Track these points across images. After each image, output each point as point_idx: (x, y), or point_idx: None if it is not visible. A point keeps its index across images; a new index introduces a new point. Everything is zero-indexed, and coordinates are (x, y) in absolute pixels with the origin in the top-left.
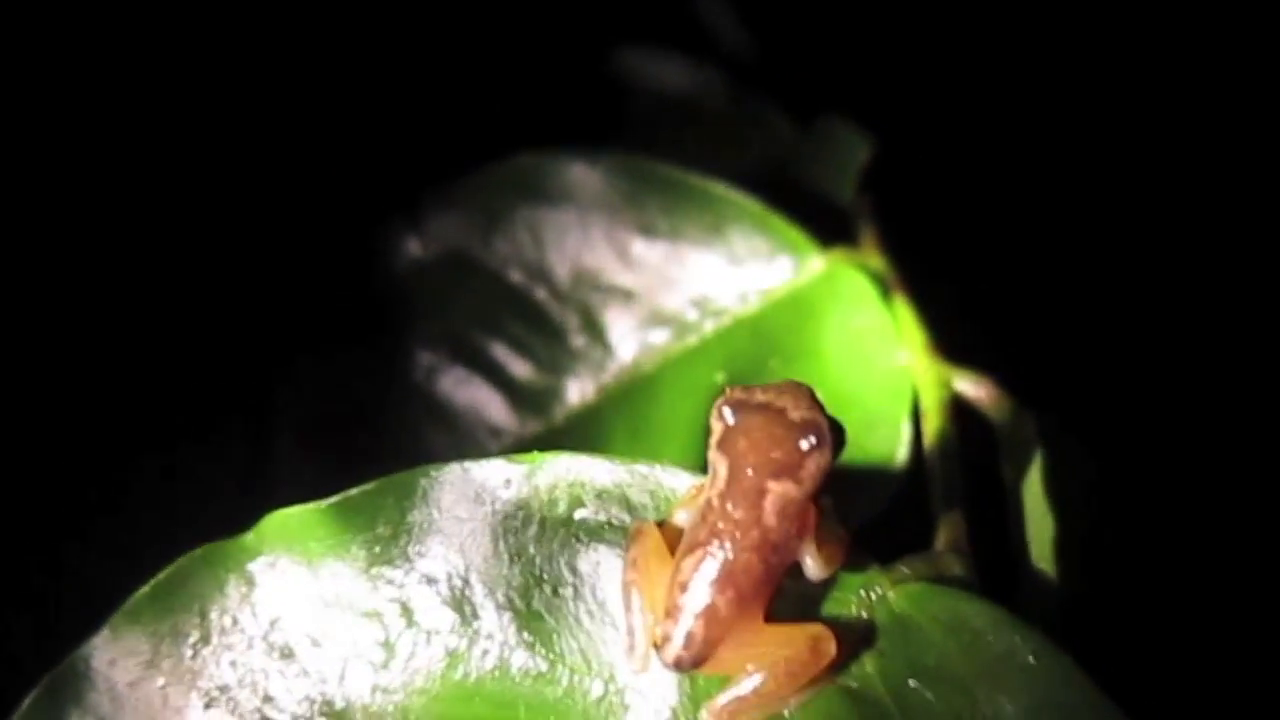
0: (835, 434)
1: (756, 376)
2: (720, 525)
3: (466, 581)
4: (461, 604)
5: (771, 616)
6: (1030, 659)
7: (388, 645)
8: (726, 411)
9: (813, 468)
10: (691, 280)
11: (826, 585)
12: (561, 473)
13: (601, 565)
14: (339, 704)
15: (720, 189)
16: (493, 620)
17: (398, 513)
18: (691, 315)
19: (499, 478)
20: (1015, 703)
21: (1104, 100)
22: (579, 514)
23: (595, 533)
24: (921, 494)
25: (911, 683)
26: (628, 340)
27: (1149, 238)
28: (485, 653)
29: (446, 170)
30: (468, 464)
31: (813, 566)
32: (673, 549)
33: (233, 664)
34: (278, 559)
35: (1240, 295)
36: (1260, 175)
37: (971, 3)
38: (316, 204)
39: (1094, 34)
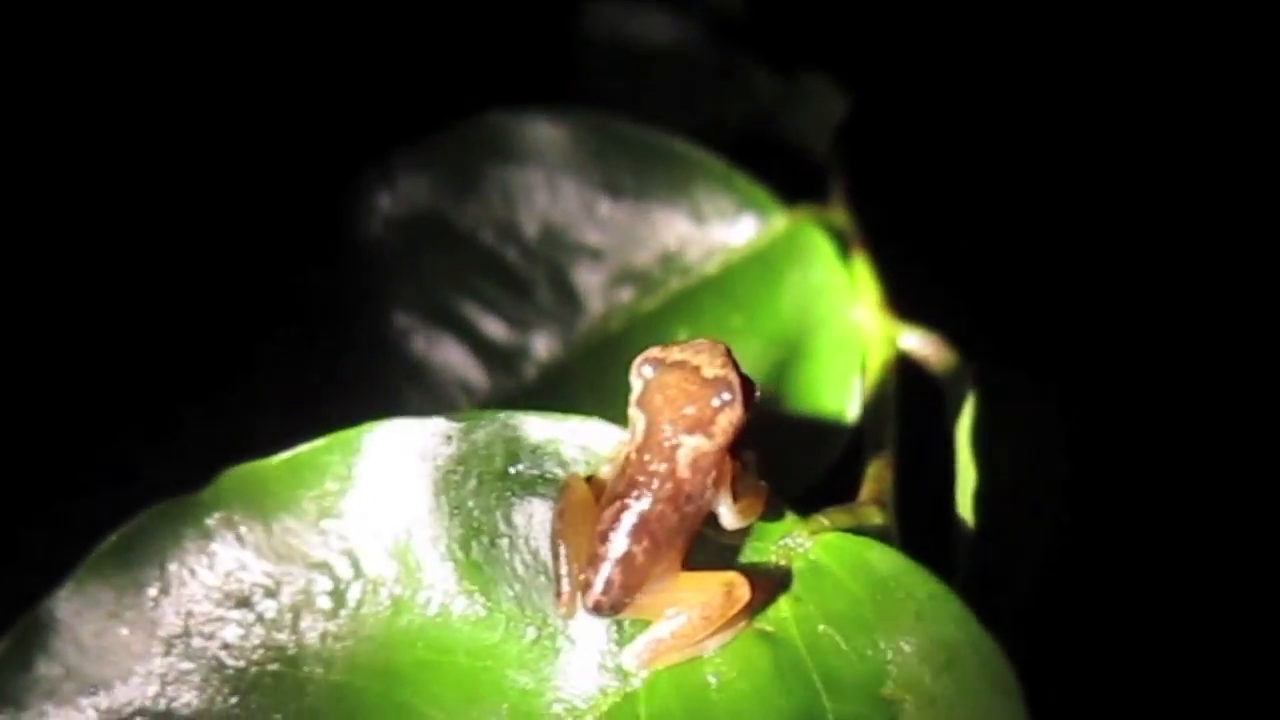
0: (746, 391)
1: (719, 334)
2: (638, 478)
3: (410, 533)
4: (405, 555)
5: (689, 564)
6: (926, 602)
7: (337, 594)
8: (645, 369)
9: (724, 423)
10: (658, 238)
11: (749, 534)
12: (498, 429)
13: (535, 517)
14: (291, 650)
15: (685, 147)
16: (435, 570)
17: (345, 468)
18: (657, 273)
19: (440, 434)
20: (910, 644)
21: (1082, 68)
22: (514, 469)
23: (529, 486)
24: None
25: (822, 627)
26: (596, 298)
27: (1119, 202)
28: (428, 601)
29: (418, 125)
30: (410, 421)
31: (728, 517)
32: (599, 501)
33: (191, 613)
34: (233, 514)
35: (1203, 253)
36: (1213, 127)
37: None
38: (284, 163)
39: (1076, 4)
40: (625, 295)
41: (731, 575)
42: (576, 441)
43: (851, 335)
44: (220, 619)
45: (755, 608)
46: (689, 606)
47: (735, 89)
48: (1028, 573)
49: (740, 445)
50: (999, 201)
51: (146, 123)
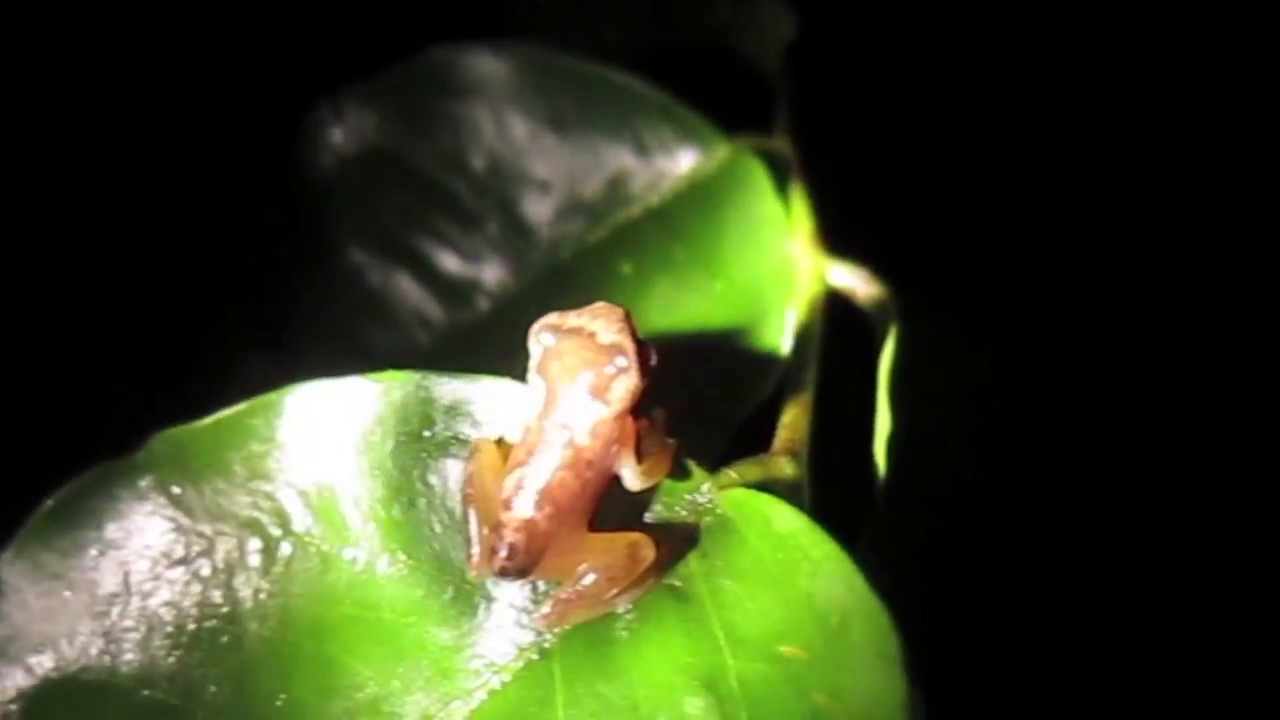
0: (643, 357)
1: (663, 266)
2: (538, 445)
3: (334, 493)
4: (331, 513)
5: (598, 524)
6: (820, 562)
7: (268, 552)
8: (543, 336)
9: (620, 390)
10: (603, 169)
11: (659, 491)
12: (413, 391)
13: (450, 479)
14: (227, 607)
15: (625, 79)
16: (359, 529)
17: (269, 430)
18: (604, 204)
19: (358, 395)
20: (806, 603)
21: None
22: (428, 431)
23: (443, 448)
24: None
25: (727, 583)
26: (545, 229)
27: (1065, 143)
28: (354, 558)
29: (365, 61)
30: (330, 382)
31: (631, 479)
32: (506, 465)
33: (130, 573)
34: (165, 476)
35: (1141, 199)
36: (1161, 74)
37: None
38: (232, 103)
39: None
40: (574, 226)
41: (636, 536)
42: (488, 403)
43: (787, 270)
44: (158, 578)
45: (664, 564)
46: (595, 568)
47: (690, 9)
48: (940, 526)
49: (645, 404)
50: (948, 135)
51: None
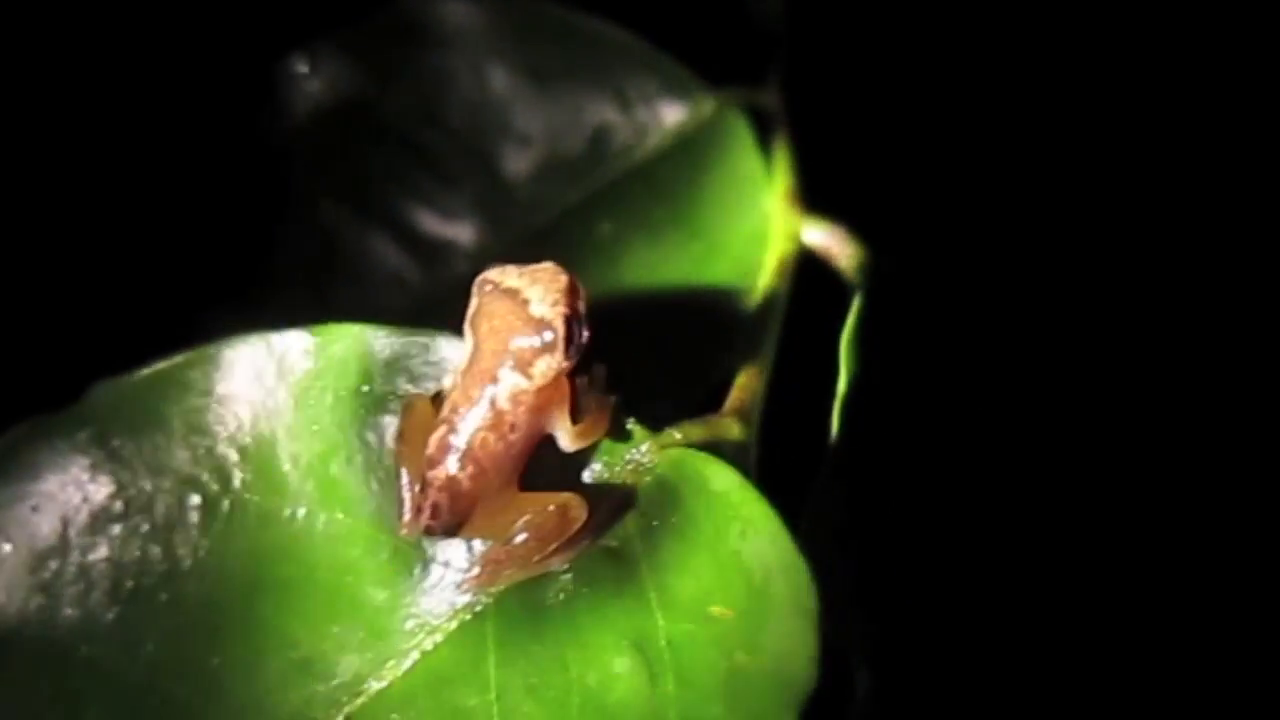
0: (569, 336)
1: (642, 227)
2: (461, 404)
3: (273, 449)
4: (270, 470)
5: (529, 484)
6: (750, 521)
7: (207, 508)
8: (484, 288)
9: (542, 367)
10: (584, 125)
11: (599, 450)
12: (352, 345)
13: (387, 436)
14: (166, 564)
15: (606, 28)
16: (297, 486)
17: (207, 384)
18: (585, 160)
19: (298, 349)
20: (732, 558)
21: None
22: (366, 386)
23: (381, 403)
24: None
25: (662, 543)
26: (524, 187)
27: (1064, 114)
28: (292, 516)
29: (339, 11)
30: (270, 335)
31: (565, 440)
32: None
33: (68, 528)
34: (105, 429)
35: (1143, 178)
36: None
37: None
38: (205, 56)
39: None
40: (554, 184)
41: (567, 496)
42: (427, 357)
43: (763, 228)
44: (97, 533)
45: (601, 525)
46: (525, 528)
47: None
48: (894, 493)
49: (584, 363)
50: (947, 98)
51: (65, 11)
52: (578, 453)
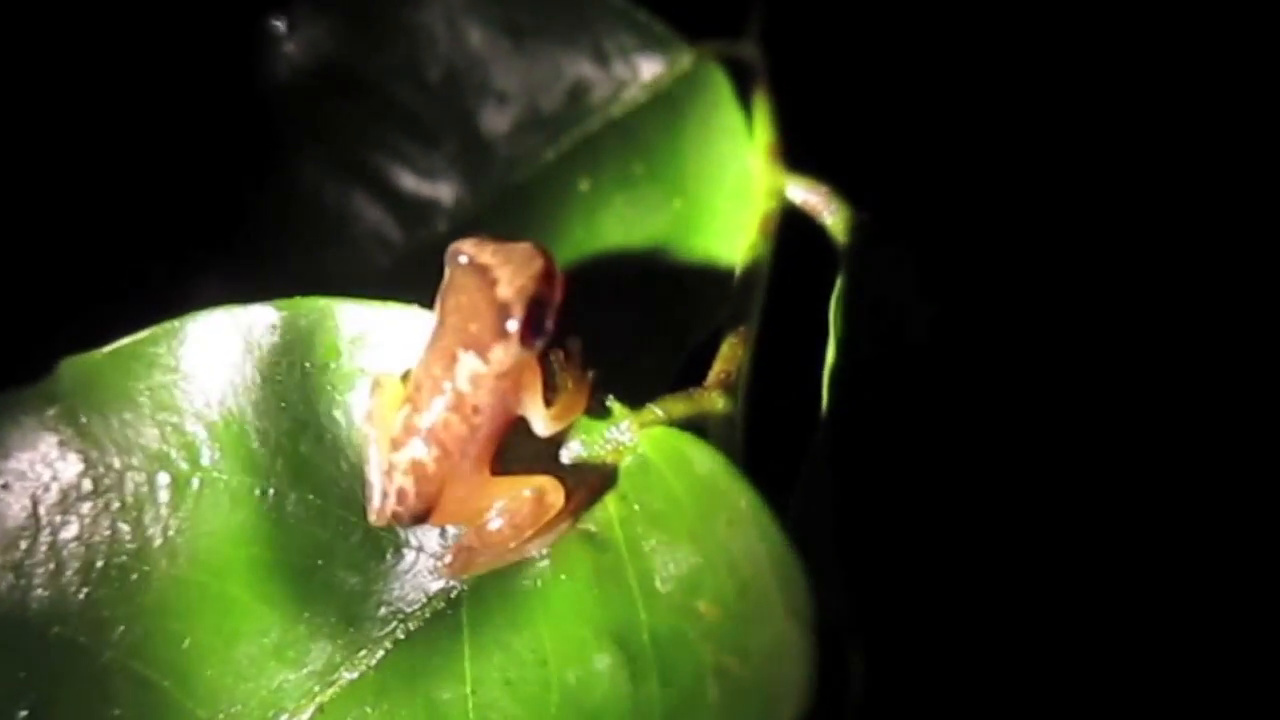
0: (529, 326)
1: (620, 184)
2: (424, 384)
3: (242, 427)
4: (239, 448)
5: (502, 467)
6: (737, 510)
7: (176, 487)
8: (458, 258)
9: (500, 354)
10: (562, 80)
11: (577, 429)
12: (318, 319)
13: (355, 414)
14: (137, 543)
15: None
16: (267, 464)
17: (173, 359)
18: (562, 118)
19: (264, 323)
20: (721, 553)
21: None
22: (334, 363)
23: (348, 380)
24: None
25: (644, 528)
26: (503, 144)
27: (1052, 75)
28: (263, 495)
29: None
30: (235, 309)
31: (540, 424)
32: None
33: (39, 507)
34: (74, 406)
35: (1132, 145)
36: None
37: None
38: (185, 14)
39: None
40: (533, 141)
41: (543, 480)
42: (394, 332)
43: (745, 186)
44: (68, 511)
45: (580, 508)
46: (498, 514)
47: None
48: (886, 466)
49: (558, 337)
50: (935, 53)
51: None
52: (559, 435)
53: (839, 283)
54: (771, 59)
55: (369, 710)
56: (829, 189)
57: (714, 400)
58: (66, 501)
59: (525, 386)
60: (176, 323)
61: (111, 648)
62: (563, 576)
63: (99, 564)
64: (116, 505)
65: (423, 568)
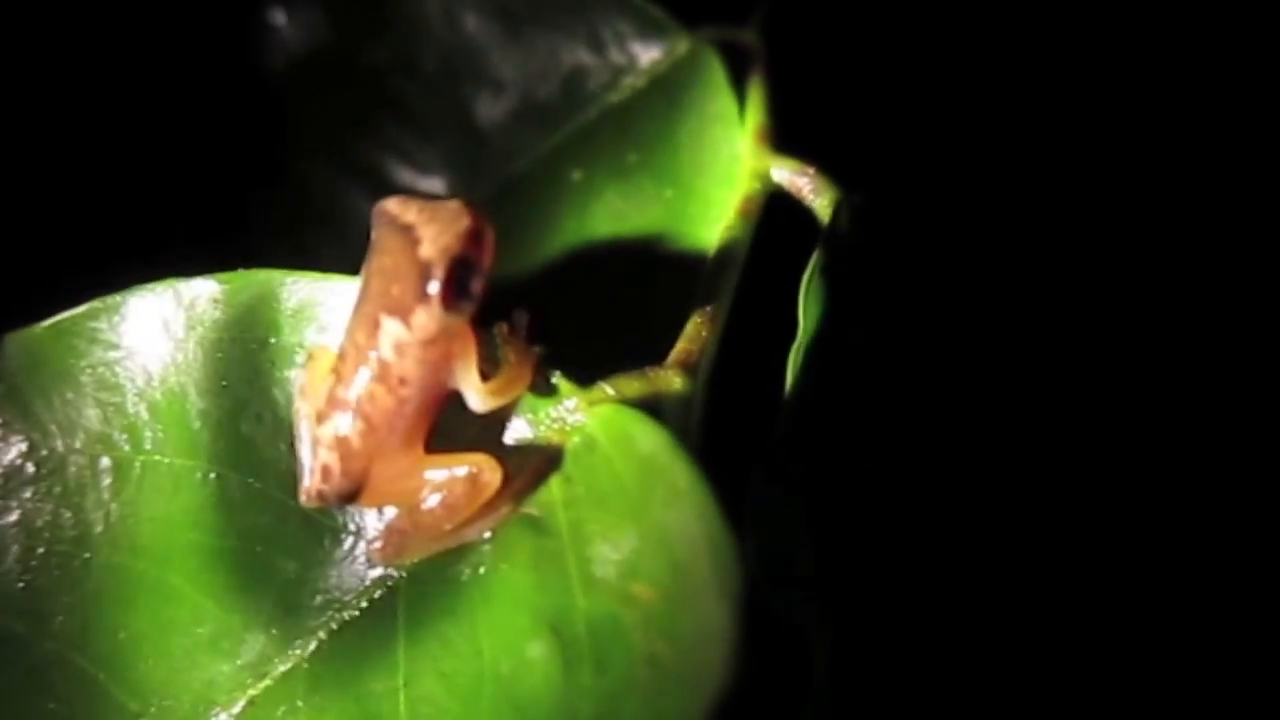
0: (451, 287)
1: (613, 173)
2: (348, 351)
3: (183, 407)
4: (181, 429)
5: (437, 444)
6: (676, 488)
7: (118, 471)
8: (380, 220)
9: (423, 319)
10: (558, 69)
11: (522, 407)
12: (261, 292)
13: (294, 391)
14: (76, 530)
15: None
16: (208, 446)
17: (114, 335)
18: (560, 106)
19: (206, 297)
20: (659, 534)
21: None
22: (275, 338)
23: (288, 356)
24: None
25: (588, 512)
26: (498, 134)
27: (1055, 71)
28: (204, 478)
29: None
30: (178, 283)
31: (474, 398)
32: None
33: None
34: (17, 384)
35: (1129, 138)
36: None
37: None
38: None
39: None
40: (528, 131)
41: (479, 458)
42: (338, 304)
43: (733, 170)
44: (9, 496)
45: (522, 490)
46: (431, 494)
47: None
48: (851, 452)
49: (501, 310)
50: (939, 44)
51: None
52: (499, 410)
53: (813, 259)
54: (773, 48)
55: (300, 704)
56: (816, 171)
57: (670, 380)
58: (9, 485)
59: (457, 357)
60: (118, 297)
61: (50, 638)
62: (502, 563)
63: (40, 551)
64: (59, 490)
65: (361, 554)
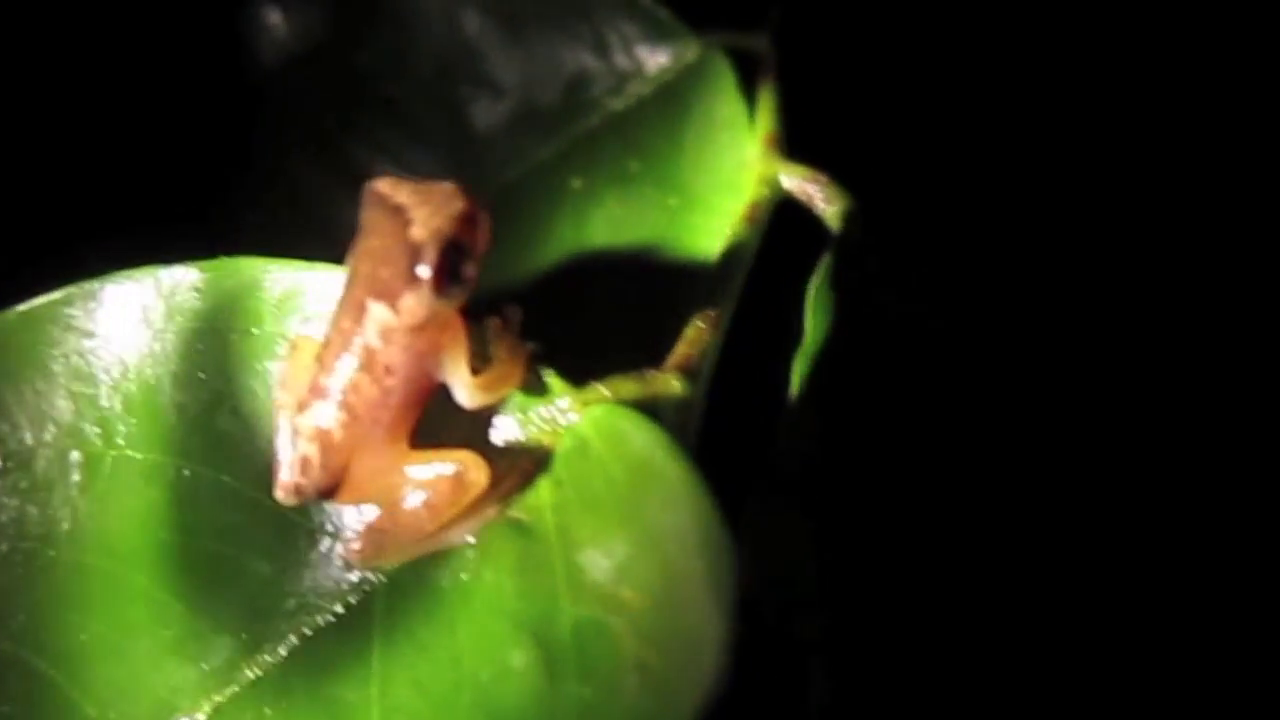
0: (442, 271)
1: (615, 180)
2: (333, 338)
3: (158, 398)
4: (155, 423)
5: (421, 440)
6: (671, 487)
7: (87, 466)
8: (370, 201)
9: (412, 303)
10: (560, 73)
11: (512, 405)
12: (243, 280)
13: (273, 383)
14: (42, 528)
15: None
16: (183, 440)
17: (89, 323)
18: (561, 112)
19: (187, 284)
20: (651, 536)
21: None
22: (257, 328)
23: (269, 347)
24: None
25: (577, 515)
26: (495, 140)
27: (1070, 79)
28: (176, 474)
29: None
30: (159, 270)
31: (462, 393)
32: None
33: None
34: None
35: (1143, 147)
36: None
37: None
38: None
39: None
40: (525, 138)
41: (465, 455)
42: (323, 294)
43: (740, 177)
44: None
45: (508, 492)
46: (413, 492)
47: None
48: (855, 461)
49: (491, 303)
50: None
51: None
52: (487, 406)
53: (822, 263)
54: (785, 54)
55: (267, 712)
56: (827, 178)
57: (669, 383)
58: None
59: (446, 348)
60: (95, 283)
61: (9, 639)
62: (485, 567)
63: (3, 548)
64: (25, 484)
65: (337, 556)
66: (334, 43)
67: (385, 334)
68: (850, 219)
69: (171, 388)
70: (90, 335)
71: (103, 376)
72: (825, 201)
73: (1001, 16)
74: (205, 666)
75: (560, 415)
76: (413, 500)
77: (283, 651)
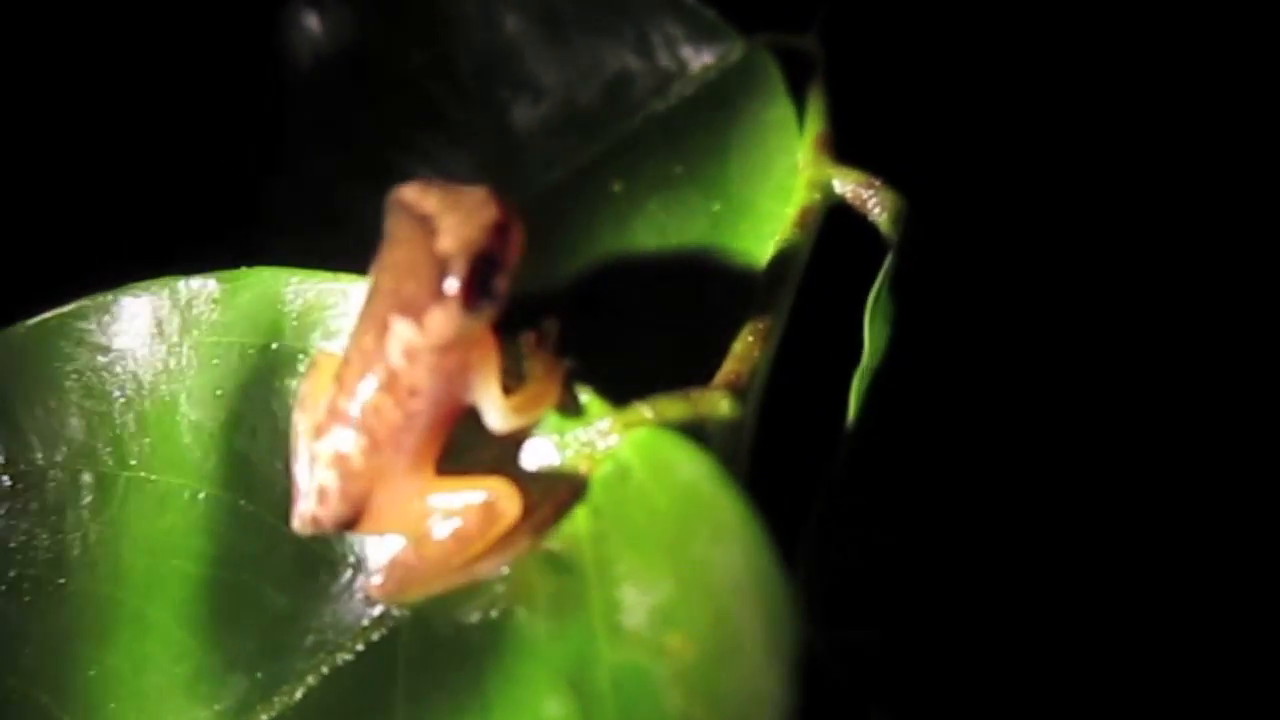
0: (472, 286)
1: (658, 184)
2: (353, 357)
3: (174, 417)
4: (170, 443)
5: (449, 466)
6: (723, 523)
7: (100, 488)
8: (394, 209)
9: (439, 321)
10: (602, 74)
11: (547, 428)
12: (263, 292)
13: (293, 402)
14: (52, 553)
15: None
16: (198, 462)
17: (103, 337)
18: (603, 114)
19: (204, 297)
20: (698, 571)
21: None
22: (276, 343)
23: (289, 364)
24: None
25: (617, 548)
26: (534, 142)
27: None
28: (193, 499)
29: None
30: (176, 282)
31: (494, 415)
32: None
33: None
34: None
35: (1197, 153)
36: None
37: None
38: None
39: None
40: (565, 140)
41: (496, 483)
42: (348, 307)
43: (790, 182)
44: None
45: (543, 523)
46: (440, 523)
47: None
48: (919, 484)
49: (528, 317)
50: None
51: None
52: (520, 429)
53: (880, 278)
54: (833, 54)
55: None
56: (881, 183)
57: (716, 402)
58: None
59: (475, 367)
60: (109, 295)
61: (15, 673)
62: (519, 606)
63: (11, 574)
64: (35, 507)
65: (359, 589)
66: (369, 46)
67: (410, 353)
68: (907, 225)
69: (187, 405)
70: (104, 350)
71: (116, 393)
72: (880, 207)
73: (1055, 13)
74: (217, 707)
75: (599, 438)
76: (439, 531)
77: (299, 692)
